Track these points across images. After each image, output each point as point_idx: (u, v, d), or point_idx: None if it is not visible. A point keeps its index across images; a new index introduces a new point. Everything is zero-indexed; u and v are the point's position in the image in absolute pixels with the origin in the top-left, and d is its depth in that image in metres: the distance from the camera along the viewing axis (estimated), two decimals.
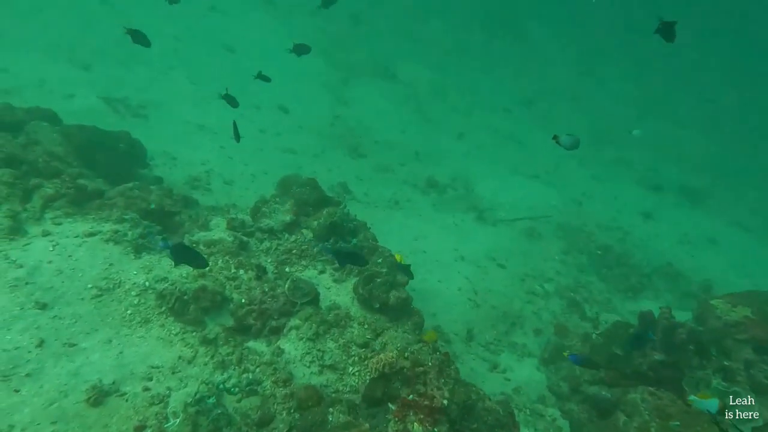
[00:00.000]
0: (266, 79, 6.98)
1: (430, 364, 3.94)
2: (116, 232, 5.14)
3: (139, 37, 5.38)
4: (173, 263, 4.15)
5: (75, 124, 7.27)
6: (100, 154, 7.25)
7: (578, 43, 24.35)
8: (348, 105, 15.02)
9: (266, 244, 5.95)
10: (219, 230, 6.05)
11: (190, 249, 3.58)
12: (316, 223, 6.08)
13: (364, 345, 4.60)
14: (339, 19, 20.24)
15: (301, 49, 7.36)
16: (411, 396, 3.68)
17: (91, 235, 5.02)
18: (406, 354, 4.30)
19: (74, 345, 3.90)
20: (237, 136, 5.14)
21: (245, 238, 5.87)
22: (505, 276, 8.74)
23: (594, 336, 5.89)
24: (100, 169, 7.16)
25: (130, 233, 5.19)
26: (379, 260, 5.55)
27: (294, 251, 5.87)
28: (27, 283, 4.26)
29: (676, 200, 13.56)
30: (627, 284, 8.98)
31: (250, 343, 4.53)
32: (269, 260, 5.74)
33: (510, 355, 6.62)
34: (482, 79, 19.43)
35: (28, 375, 3.55)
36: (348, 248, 4.56)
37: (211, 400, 3.58)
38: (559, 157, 15.40)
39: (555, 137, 4.47)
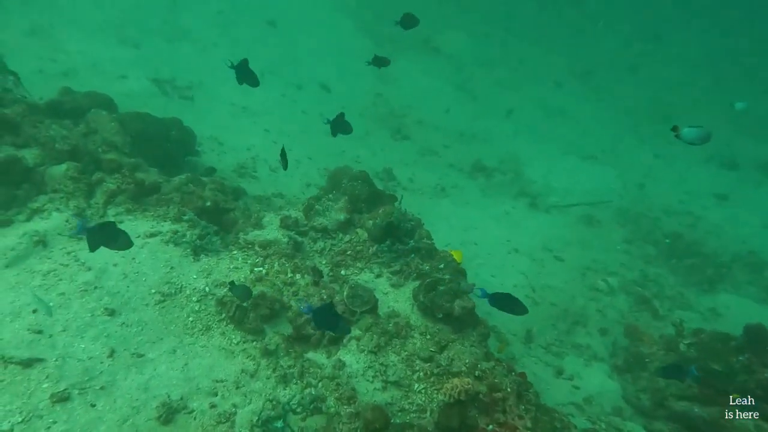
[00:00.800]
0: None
1: (508, 389, 3.60)
2: (175, 232, 5.03)
3: (245, 75, 4.35)
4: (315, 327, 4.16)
5: (131, 112, 7.19)
6: (153, 142, 7.17)
7: (637, 7, 21.92)
8: (390, 82, 14.32)
9: (320, 244, 5.70)
10: (272, 228, 5.85)
11: (330, 311, 3.32)
12: (371, 222, 5.74)
13: (429, 359, 4.32)
14: None
15: (381, 62, 6.21)
16: (490, 426, 3.39)
17: (152, 236, 4.94)
18: (477, 373, 3.99)
19: (142, 355, 3.84)
20: (285, 164, 4.37)
21: (299, 238, 5.64)
22: (563, 270, 8.17)
23: (683, 347, 5.31)
24: (153, 158, 7.10)
25: (188, 234, 5.07)
26: (441, 265, 5.18)
27: (349, 252, 5.60)
28: (96, 288, 4.23)
29: (756, 178, 12.13)
30: (702, 276, 8.17)
31: (310, 354, 4.36)
32: (324, 262, 5.51)
33: (575, 359, 6.19)
34: (531, 50, 17.96)
35: (102, 388, 3.52)
36: (504, 294, 3.85)
37: (279, 424, 3.43)
38: (617, 135, 14.15)
39: (675, 129, 3.60)
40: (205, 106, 10.02)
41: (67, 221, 4.80)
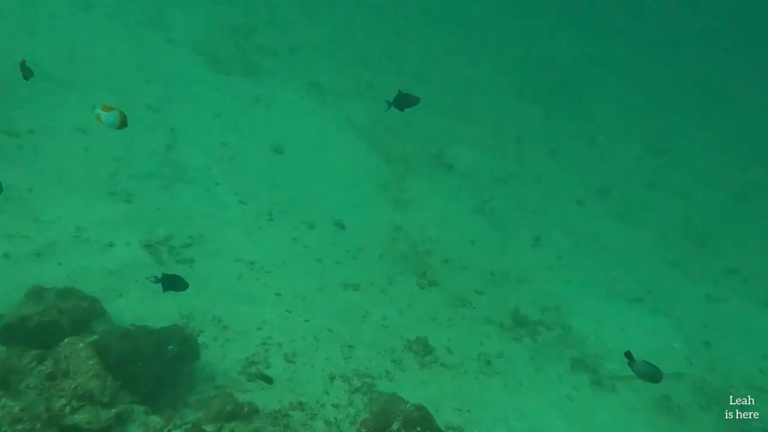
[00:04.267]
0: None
1: None
2: None
3: None
4: None
5: (118, 329, 5.81)
6: (143, 365, 5.68)
7: (645, 115, 22.73)
8: (407, 209, 13.49)
9: None
10: None
11: None
12: None
13: None
14: (385, 98, 19.28)
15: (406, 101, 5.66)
16: None
17: None
18: None
19: None
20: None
21: None
22: None
23: None
24: (142, 386, 5.58)
25: None
26: None
27: None
28: None
29: None
30: None
31: None
32: None
33: None
34: (546, 164, 17.80)
35: None
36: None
37: None
38: (655, 267, 13.30)
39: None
40: (206, 270, 8.71)
41: None
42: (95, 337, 5.42)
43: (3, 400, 4.27)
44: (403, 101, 5.37)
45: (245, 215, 10.73)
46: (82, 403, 4.80)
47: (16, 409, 4.24)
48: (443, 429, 5.29)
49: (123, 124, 5.34)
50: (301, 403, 6.78)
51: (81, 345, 5.17)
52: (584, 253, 13.43)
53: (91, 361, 5.06)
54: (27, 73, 5.94)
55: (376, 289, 10.27)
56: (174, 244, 8.84)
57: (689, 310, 11.36)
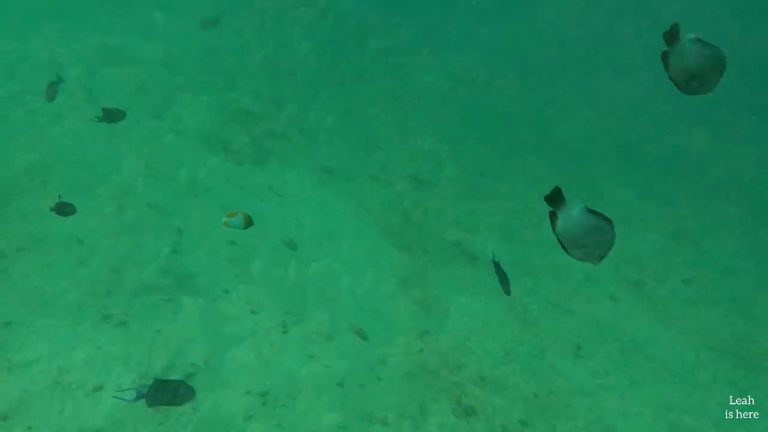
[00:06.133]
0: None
1: None
2: None
3: None
4: None
5: None
6: None
7: (664, 200, 22.69)
8: (432, 311, 12.45)
9: None
10: None
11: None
12: None
13: None
14: (398, 181, 19.02)
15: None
16: None
17: None
18: None
19: None
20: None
21: None
22: None
23: None
24: None
25: None
26: None
27: None
28: None
29: None
30: None
31: None
32: None
33: None
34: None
35: None
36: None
37: None
38: (715, 389, 12.08)
39: None
40: (210, 411, 7.41)
41: None
42: None
43: None
44: (503, 278, 5.71)
45: (257, 329, 9.60)
46: None
47: None
48: None
49: (248, 223, 5.78)
50: None
51: None
52: (631, 366, 12.24)
53: None
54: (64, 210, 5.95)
55: (408, 423, 8.93)
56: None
57: None
